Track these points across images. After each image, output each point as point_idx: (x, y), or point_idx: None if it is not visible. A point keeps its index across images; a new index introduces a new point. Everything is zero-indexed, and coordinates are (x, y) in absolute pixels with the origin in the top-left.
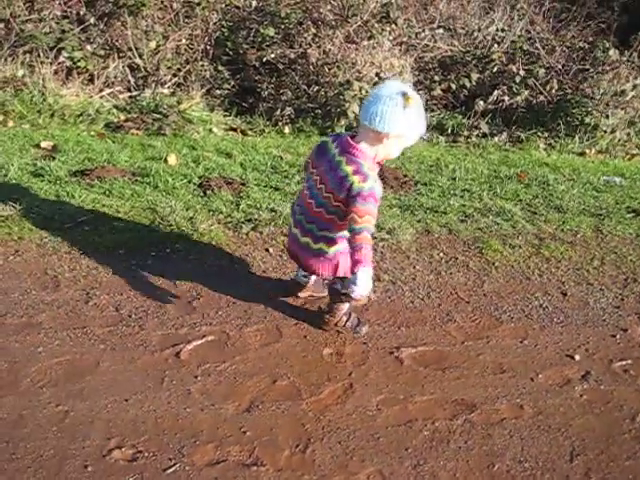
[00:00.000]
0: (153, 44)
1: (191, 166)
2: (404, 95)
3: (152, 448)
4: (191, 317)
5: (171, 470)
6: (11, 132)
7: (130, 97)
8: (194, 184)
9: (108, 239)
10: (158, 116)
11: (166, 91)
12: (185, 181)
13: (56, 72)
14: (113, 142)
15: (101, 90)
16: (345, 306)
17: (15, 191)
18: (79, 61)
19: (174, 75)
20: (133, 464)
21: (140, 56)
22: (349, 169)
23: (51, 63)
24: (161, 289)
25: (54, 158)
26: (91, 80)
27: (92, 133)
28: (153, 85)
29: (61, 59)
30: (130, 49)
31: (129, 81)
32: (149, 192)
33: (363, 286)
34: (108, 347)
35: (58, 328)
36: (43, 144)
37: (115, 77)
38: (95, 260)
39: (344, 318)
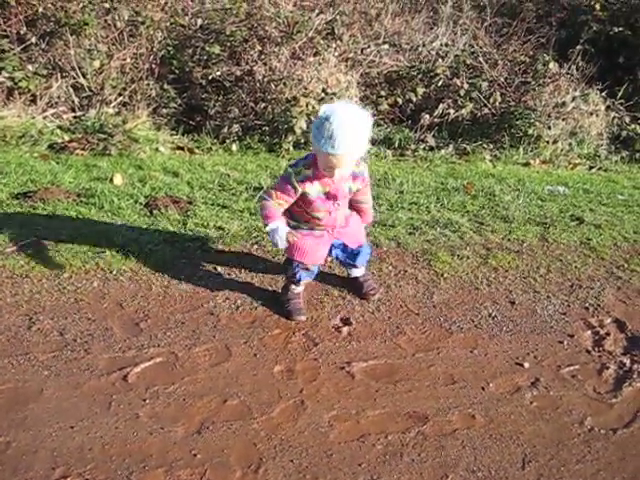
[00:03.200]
0: (97, 63)
1: (137, 186)
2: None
3: (100, 476)
4: (138, 339)
5: None
6: None
7: (74, 117)
8: (140, 204)
9: (52, 262)
10: (103, 136)
11: (111, 111)
12: (131, 201)
13: None
14: (57, 163)
15: (44, 110)
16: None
17: None
18: (20, 81)
19: (119, 94)
20: None
21: (84, 75)
22: None
23: None
24: (107, 311)
25: None
26: (33, 100)
27: (35, 154)
28: (98, 105)
29: (1, 79)
30: (73, 68)
31: (73, 101)
32: (94, 213)
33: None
34: (52, 373)
35: None
36: None
37: (59, 97)
38: (38, 284)
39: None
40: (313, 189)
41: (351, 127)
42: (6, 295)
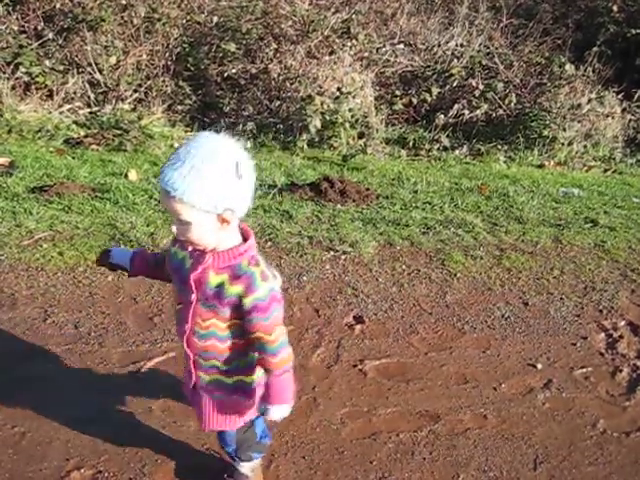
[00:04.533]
0: (113, 59)
1: (152, 182)
2: None
3: (113, 468)
4: (152, 333)
5: None
6: None
7: (90, 113)
8: (155, 200)
9: (67, 256)
10: (119, 132)
11: (127, 107)
12: (146, 197)
13: (14, 87)
14: (73, 158)
15: (60, 106)
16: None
17: None
18: (37, 76)
19: (135, 91)
20: None
21: (100, 71)
22: None
23: (8, 78)
24: (121, 306)
25: (11, 174)
26: (50, 96)
27: (51, 149)
28: (113, 101)
29: (19, 74)
30: (90, 64)
31: (89, 97)
32: (109, 208)
33: None
34: (67, 365)
35: None
36: (0, 160)
37: (75, 93)
38: (54, 277)
39: None
40: (173, 249)
41: (198, 160)
42: (22, 288)
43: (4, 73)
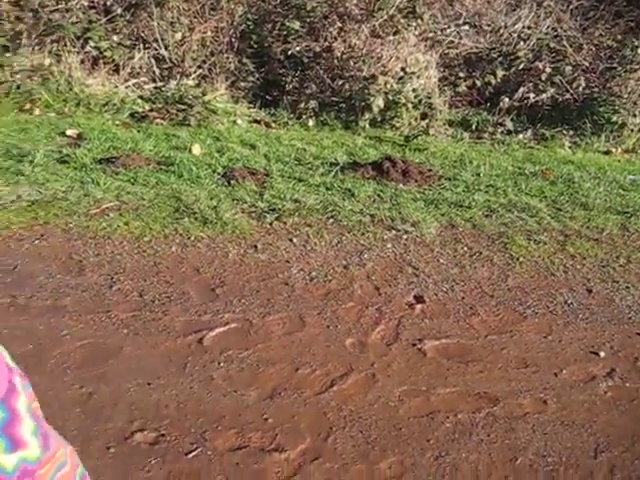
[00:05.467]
0: (179, 35)
1: (215, 156)
2: None
3: (174, 432)
4: (214, 304)
5: (193, 454)
6: (37, 120)
7: (155, 88)
8: (218, 174)
9: (133, 226)
10: (183, 107)
11: (191, 82)
12: (209, 171)
13: (82, 62)
14: (138, 131)
15: (126, 80)
16: None
17: (41, 177)
18: (105, 51)
19: (199, 67)
20: (155, 447)
21: (166, 47)
22: None
23: (78, 52)
24: (184, 276)
25: (79, 146)
26: (116, 70)
27: (117, 122)
28: (178, 76)
29: (87, 49)
30: (156, 40)
31: (154, 72)
32: (174, 180)
33: None
34: (131, 332)
35: (82, 312)
36: (69, 132)
37: (140, 68)
38: (120, 246)
39: None
40: None
41: None
42: (89, 255)
43: (74, 47)
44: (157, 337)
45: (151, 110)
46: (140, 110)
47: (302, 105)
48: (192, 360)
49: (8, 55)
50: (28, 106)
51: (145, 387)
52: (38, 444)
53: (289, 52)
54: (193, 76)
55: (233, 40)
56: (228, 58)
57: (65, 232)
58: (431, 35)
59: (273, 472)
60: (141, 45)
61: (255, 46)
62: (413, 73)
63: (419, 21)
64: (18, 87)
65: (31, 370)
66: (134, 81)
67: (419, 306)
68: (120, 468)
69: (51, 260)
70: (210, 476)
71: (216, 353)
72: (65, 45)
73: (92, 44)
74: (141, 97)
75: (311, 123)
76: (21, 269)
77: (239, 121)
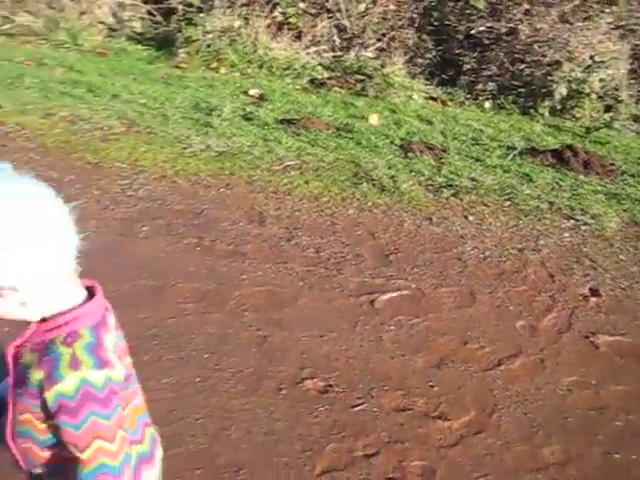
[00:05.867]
0: (362, 7)
1: (392, 128)
2: None
3: (342, 385)
4: (387, 269)
5: (359, 408)
6: (223, 78)
7: (334, 56)
8: (395, 145)
9: (312, 185)
10: (361, 77)
11: (370, 54)
12: (387, 141)
13: (268, 26)
14: (317, 97)
15: (307, 47)
16: None
17: (228, 130)
18: (291, 17)
19: (378, 40)
20: (323, 396)
21: (348, 17)
22: None
23: (265, 17)
24: (360, 239)
25: (262, 106)
26: (298, 37)
27: (297, 87)
28: (357, 47)
29: (275, 14)
30: (339, 10)
31: (334, 41)
32: (352, 147)
33: None
34: (306, 285)
35: (261, 260)
36: (251, 92)
37: (321, 36)
38: (299, 203)
39: None
40: None
41: None
42: (270, 208)
43: (262, 12)
44: (330, 293)
45: (329, 78)
46: (319, 77)
47: (479, 86)
48: (363, 320)
49: (202, 15)
50: (215, 64)
51: (317, 338)
52: (123, 373)
53: (470, 32)
54: (371, 48)
55: (414, 16)
56: (407, 33)
57: (248, 184)
58: (624, 23)
59: (436, 438)
60: (325, 14)
61: (436, 23)
62: (602, 62)
63: (613, 8)
64: (208, 46)
65: (213, 307)
66: (314, 49)
67: (594, 299)
68: (290, 409)
69: (235, 208)
70: (374, 431)
71: (387, 316)
72: (254, 9)
73: (279, 10)
74: (321, 64)
75: (487, 105)
76: (207, 214)
77: (415, 96)
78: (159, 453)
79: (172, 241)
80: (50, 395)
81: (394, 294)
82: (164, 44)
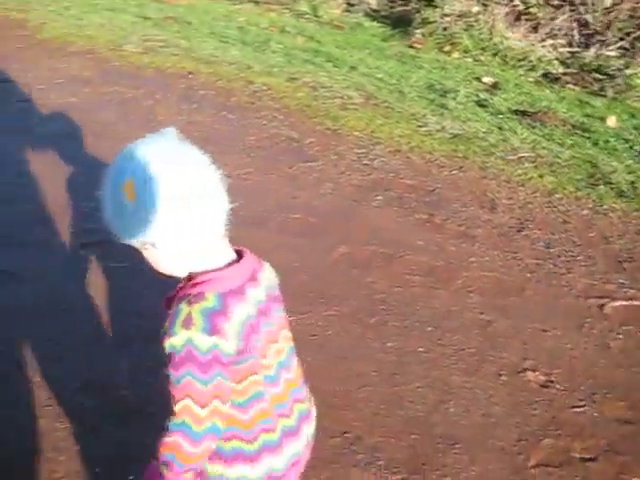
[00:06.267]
0: (608, 2)
1: (633, 133)
2: None
3: (564, 383)
4: (619, 276)
5: (579, 410)
6: (455, 62)
7: (570, 52)
8: (635, 150)
9: (547, 180)
10: (600, 76)
11: (612, 53)
12: (627, 145)
13: (506, 14)
14: (550, 92)
15: (543, 40)
16: None
17: (462, 114)
18: (531, 7)
19: (621, 38)
20: (544, 390)
21: (592, 12)
22: None
23: (505, 5)
24: (592, 241)
25: (495, 94)
26: (535, 28)
27: (530, 79)
28: (597, 44)
29: (515, 2)
30: (583, 4)
31: (572, 36)
32: (589, 147)
33: None
34: (534, 278)
35: (490, 246)
36: (485, 79)
37: (559, 29)
38: (532, 195)
39: None
40: None
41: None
42: (502, 196)
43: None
44: (558, 290)
45: (564, 74)
46: (554, 71)
47: None
48: (590, 323)
49: None
50: (447, 48)
51: (540, 332)
52: (236, 346)
53: None
54: (613, 47)
55: None
56: None
57: (481, 170)
58: None
59: None
60: (567, 7)
61: None
62: None
63: None
64: (444, 29)
65: (440, 284)
66: (551, 42)
67: None
68: (509, 397)
69: (466, 192)
70: (593, 437)
71: (615, 324)
72: None
73: None
74: (557, 59)
75: None
76: (439, 192)
77: None
78: (307, 428)
79: (403, 214)
80: (165, 345)
81: (625, 302)
82: (399, 23)
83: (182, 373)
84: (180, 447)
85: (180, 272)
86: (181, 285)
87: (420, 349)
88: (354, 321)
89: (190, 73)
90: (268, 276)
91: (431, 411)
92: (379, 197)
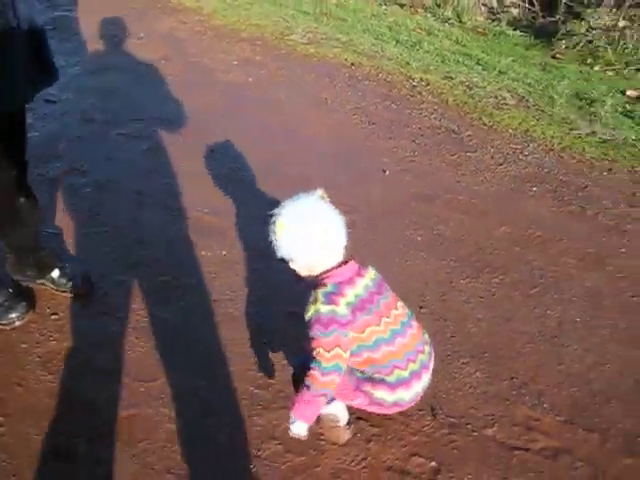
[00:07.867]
0: None
1: None
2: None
3: None
4: None
5: None
6: (597, 75)
7: None
8: None
9: None
10: None
11: None
12: None
13: None
14: None
15: None
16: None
17: (611, 122)
18: None
19: None
20: None
21: None
22: None
23: None
24: None
25: None
26: None
27: None
28: None
29: None
30: None
31: None
32: None
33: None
34: None
35: None
36: (629, 92)
37: None
38: None
39: None
40: None
41: None
42: None
43: None
44: None
45: None
46: None
47: None
48: None
49: (589, 11)
50: (589, 60)
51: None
52: (348, 311)
53: None
54: None
55: None
56: None
57: (630, 173)
58: None
59: None
60: None
61: None
62: None
63: None
64: (590, 42)
65: (592, 266)
66: None
67: None
68: None
69: (616, 191)
70: None
71: None
72: None
73: None
74: None
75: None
76: (590, 190)
77: None
78: (425, 376)
79: (557, 205)
80: (306, 315)
81: None
82: (540, 33)
83: (315, 332)
84: (315, 377)
85: (312, 273)
86: (312, 279)
87: (577, 319)
88: (516, 290)
89: (352, 64)
90: (371, 273)
91: (588, 370)
92: (535, 188)
